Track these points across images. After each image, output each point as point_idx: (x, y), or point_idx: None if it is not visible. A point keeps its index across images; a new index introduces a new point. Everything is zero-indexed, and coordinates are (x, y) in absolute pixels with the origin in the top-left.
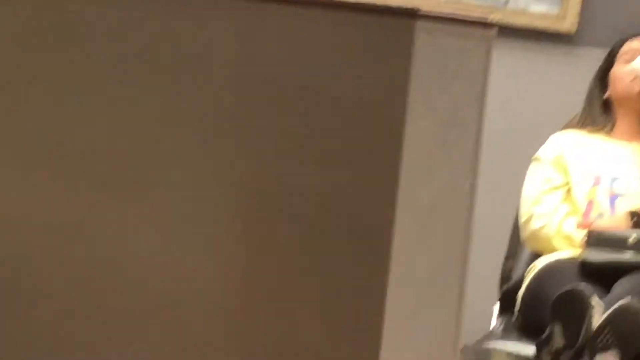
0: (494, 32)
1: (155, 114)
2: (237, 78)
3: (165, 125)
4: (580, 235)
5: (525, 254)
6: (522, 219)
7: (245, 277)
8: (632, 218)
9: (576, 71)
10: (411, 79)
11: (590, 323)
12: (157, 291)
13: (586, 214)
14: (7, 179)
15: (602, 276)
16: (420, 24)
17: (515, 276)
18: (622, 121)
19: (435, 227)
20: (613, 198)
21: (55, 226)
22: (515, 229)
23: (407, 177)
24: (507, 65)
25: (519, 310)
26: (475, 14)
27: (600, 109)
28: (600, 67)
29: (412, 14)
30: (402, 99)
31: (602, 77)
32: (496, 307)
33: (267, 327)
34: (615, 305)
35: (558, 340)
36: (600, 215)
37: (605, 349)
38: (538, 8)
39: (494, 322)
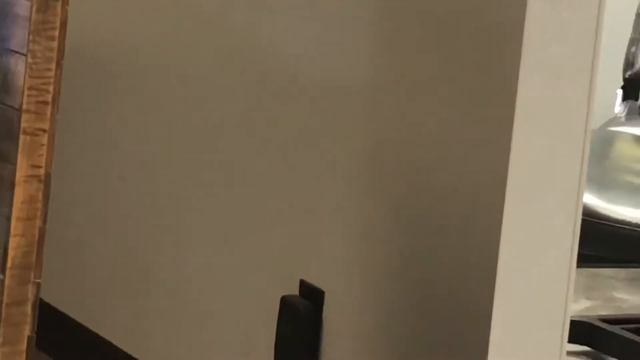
0: None
1: None
2: None
3: None
4: None
5: None
6: None
7: (382, 65)
8: None
9: None
10: None
11: None
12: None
13: None
14: None
15: None
16: None
17: (638, 62)
18: None
19: (567, 14)
20: None
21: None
22: (639, 16)
23: None
24: None
25: None
26: None
27: None
28: None
29: None
30: None
31: None
32: (619, 93)
33: (402, 108)
34: None
35: None
36: None
37: None
38: None
39: (617, 107)
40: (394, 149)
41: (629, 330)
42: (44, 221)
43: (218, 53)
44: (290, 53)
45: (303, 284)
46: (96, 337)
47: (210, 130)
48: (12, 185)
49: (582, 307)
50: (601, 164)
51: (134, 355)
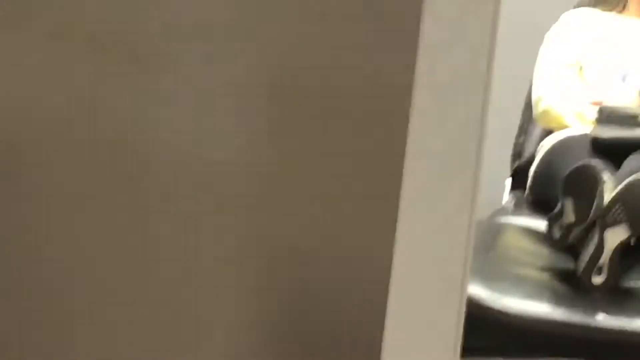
0: None
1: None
2: None
3: (188, 3)
4: (592, 112)
5: (537, 131)
6: (534, 96)
7: (267, 155)
8: None
9: None
10: None
11: (601, 198)
12: (175, 166)
13: (597, 91)
14: (26, 51)
15: (613, 153)
16: None
17: (527, 153)
18: (635, 0)
19: (452, 104)
20: (624, 75)
21: (76, 98)
22: (527, 106)
23: (424, 53)
24: None
25: (531, 186)
26: None
27: None
28: None
29: None
30: None
31: None
32: (508, 183)
33: (287, 205)
34: (626, 181)
35: (569, 216)
36: (612, 93)
37: (615, 223)
38: None
39: (506, 198)
40: (278, 242)
41: None
42: None
43: (101, 140)
44: (174, 141)
45: None
46: None
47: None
48: None
49: None
50: (488, 255)
51: None
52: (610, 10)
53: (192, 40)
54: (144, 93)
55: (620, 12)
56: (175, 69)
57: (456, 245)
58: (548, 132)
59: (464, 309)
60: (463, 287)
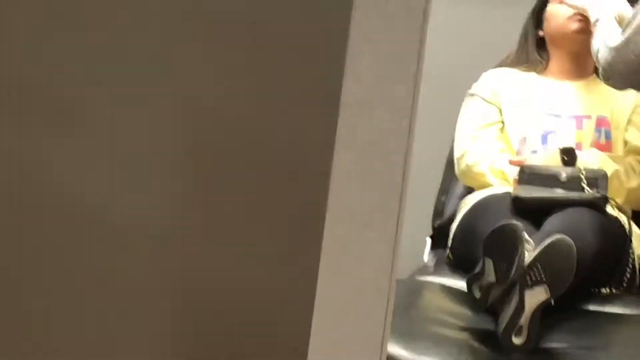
0: None
1: (99, 46)
2: (181, 14)
3: (110, 58)
4: (513, 171)
5: (458, 190)
6: (456, 154)
7: (186, 211)
8: (562, 155)
9: (516, 9)
10: (352, 17)
11: (522, 259)
12: (97, 225)
13: (519, 150)
14: None
15: (534, 212)
16: None
17: (447, 211)
18: (556, 60)
19: (373, 163)
20: (545, 135)
21: None
22: (449, 164)
23: (346, 112)
24: (446, 3)
25: (451, 246)
26: None
27: (535, 47)
28: (536, 4)
29: None
30: (342, 36)
31: (537, 14)
32: (428, 242)
33: (207, 262)
34: (546, 242)
35: (490, 276)
36: (533, 152)
37: (535, 284)
38: None
39: (426, 256)
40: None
41: None
42: None
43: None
44: (87, 197)
45: None
46: None
47: None
48: None
49: None
50: (408, 313)
51: None
52: (531, 70)
53: (110, 94)
54: (56, 146)
55: (540, 73)
56: (90, 123)
57: (377, 304)
58: (469, 191)
59: None
60: (383, 347)
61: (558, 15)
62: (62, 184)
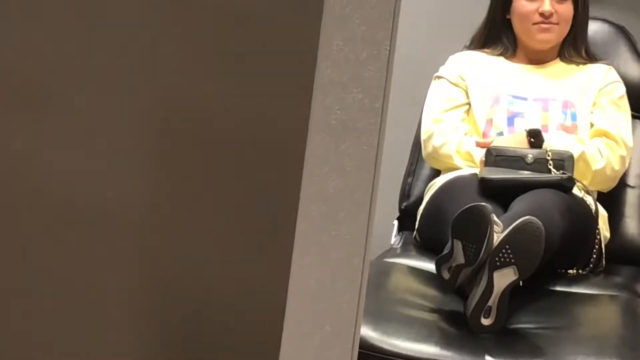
0: None
1: (69, 30)
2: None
3: (79, 41)
4: (480, 153)
5: (425, 172)
6: (423, 136)
7: (156, 195)
8: (529, 137)
9: None
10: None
11: (490, 240)
12: (66, 206)
13: (485, 133)
14: None
15: (501, 194)
16: None
17: (414, 193)
18: (522, 49)
19: (347, 145)
20: (512, 117)
21: None
22: (416, 146)
23: (319, 95)
24: None
25: (418, 228)
26: None
27: (502, 31)
28: None
29: None
30: (315, 19)
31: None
32: (396, 224)
33: (176, 244)
34: (515, 223)
35: (458, 258)
36: (499, 134)
37: (503, 265)
38: None
39: (393, 238)
40: (170, 285)
41: None
42: None
43: None
44: (65, 184)
45: None
46: None
47: None
48: None
49: None
50: (377, 295)
51: None
52: (498, 55)
53: (85, 83)
54: (34, 135)
55: (508, 58)
56: (65, 111)
57: (350, 286)
58: (436, 173)
59: (357, 350)
60: (357, 328)
61: (524, 17)
62: (39, 172)
